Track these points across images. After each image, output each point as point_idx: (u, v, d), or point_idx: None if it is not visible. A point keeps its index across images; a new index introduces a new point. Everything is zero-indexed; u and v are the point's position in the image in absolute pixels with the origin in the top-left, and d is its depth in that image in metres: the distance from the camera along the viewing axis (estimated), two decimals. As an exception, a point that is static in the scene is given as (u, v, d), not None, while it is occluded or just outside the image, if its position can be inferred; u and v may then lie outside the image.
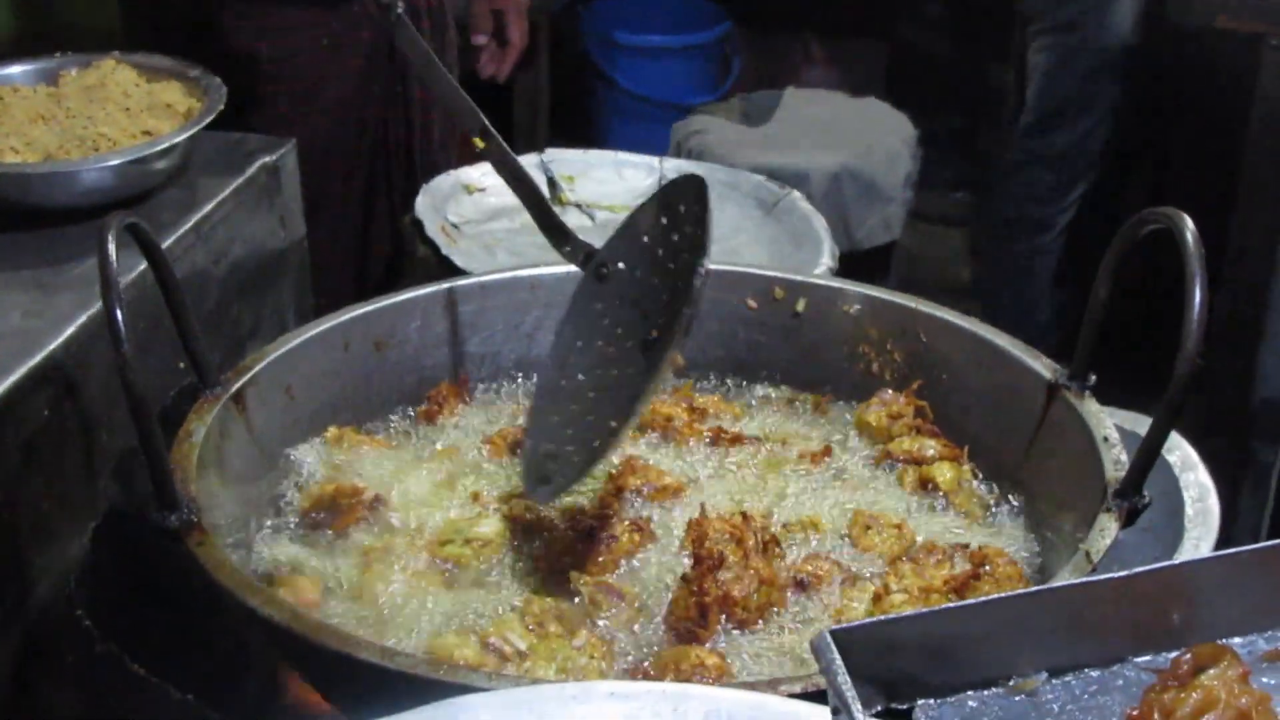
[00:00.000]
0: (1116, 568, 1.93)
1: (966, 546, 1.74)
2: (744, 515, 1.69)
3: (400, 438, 2.01)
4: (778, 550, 1.71)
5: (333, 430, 1.94)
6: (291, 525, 1.82)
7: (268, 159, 2.30)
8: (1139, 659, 1.18)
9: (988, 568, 1.66)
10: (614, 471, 1.87)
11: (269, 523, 1.82)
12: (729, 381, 2.14)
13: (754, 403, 2.10)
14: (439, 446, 1.97)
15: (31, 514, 1.77)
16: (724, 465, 1.94)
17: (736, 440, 1.98)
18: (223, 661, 1.67)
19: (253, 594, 1.49)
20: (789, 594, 1.67)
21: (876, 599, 1.64)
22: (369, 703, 1.29)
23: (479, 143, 1.92)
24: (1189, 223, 1.60)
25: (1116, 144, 4.38)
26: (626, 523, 1.77)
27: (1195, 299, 1.56)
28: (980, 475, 1.93)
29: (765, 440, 1.99)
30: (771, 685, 1.36)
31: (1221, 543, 1.95)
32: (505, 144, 1.91)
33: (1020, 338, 1.94)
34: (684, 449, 1.97)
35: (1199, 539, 1.99)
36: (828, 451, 1.94)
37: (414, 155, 2.91)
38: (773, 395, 2.12)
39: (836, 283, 2.13)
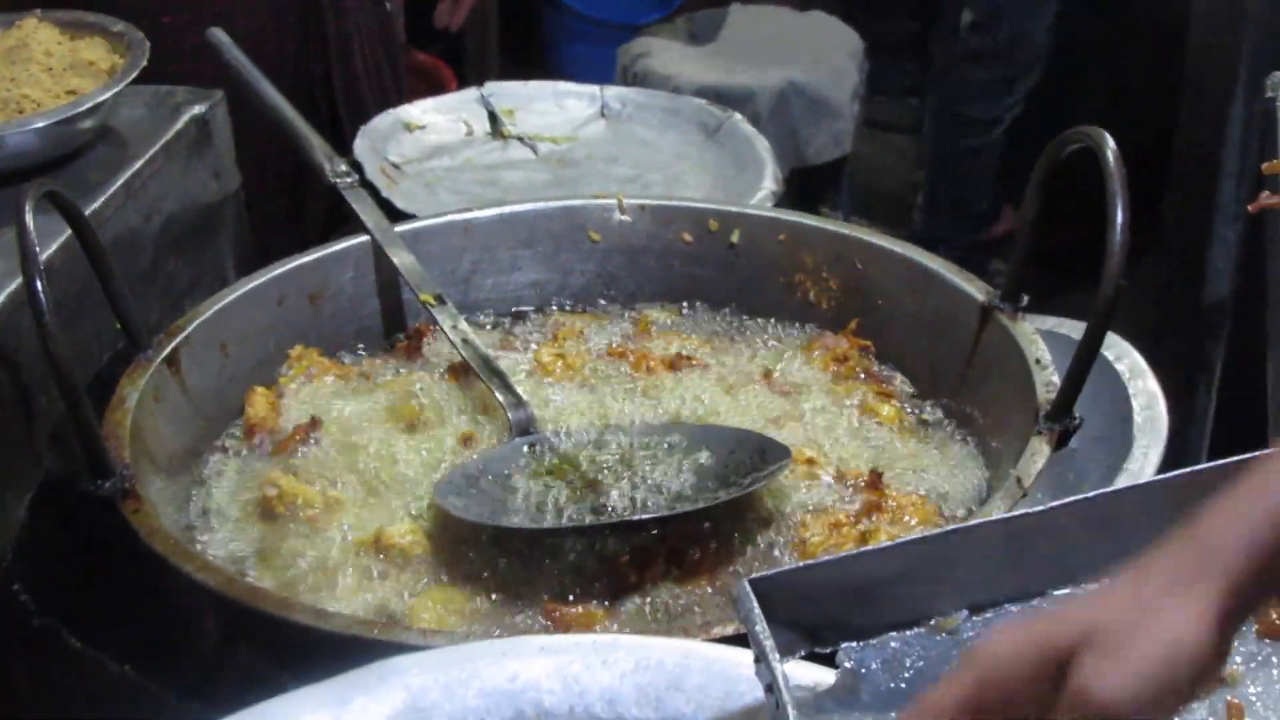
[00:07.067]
0: (1072, 479, 1.95)
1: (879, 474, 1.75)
2: None
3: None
4: None
5: (297, 349, 1.97)
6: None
7: (197, 110, 2.26)
8: (1057, 592, 1.19)
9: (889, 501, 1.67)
10: None
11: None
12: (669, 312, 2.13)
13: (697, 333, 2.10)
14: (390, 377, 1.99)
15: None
16: (686, 391, 1.93)
17: (688, 362, 1.97)
18: (165, 630, 1.68)
19: (187, 560, 1.49)
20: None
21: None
22: (307, 664, 1.30)
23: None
24: (1110, 141, 1.61)
25: (1065, 43, 4.37)
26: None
27: (1117, 219, 1.56)
28: (922, 400, 1.94)
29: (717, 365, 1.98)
30: (703, 629, 1.37)
31: (1175, 446, 1.96)
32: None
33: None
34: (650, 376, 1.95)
35: (1147, 447, 1.99)
36: (768, 376, 1.94)
37: (334, 92, 2.87)
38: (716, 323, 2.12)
39: (770, 212, 2.13)
